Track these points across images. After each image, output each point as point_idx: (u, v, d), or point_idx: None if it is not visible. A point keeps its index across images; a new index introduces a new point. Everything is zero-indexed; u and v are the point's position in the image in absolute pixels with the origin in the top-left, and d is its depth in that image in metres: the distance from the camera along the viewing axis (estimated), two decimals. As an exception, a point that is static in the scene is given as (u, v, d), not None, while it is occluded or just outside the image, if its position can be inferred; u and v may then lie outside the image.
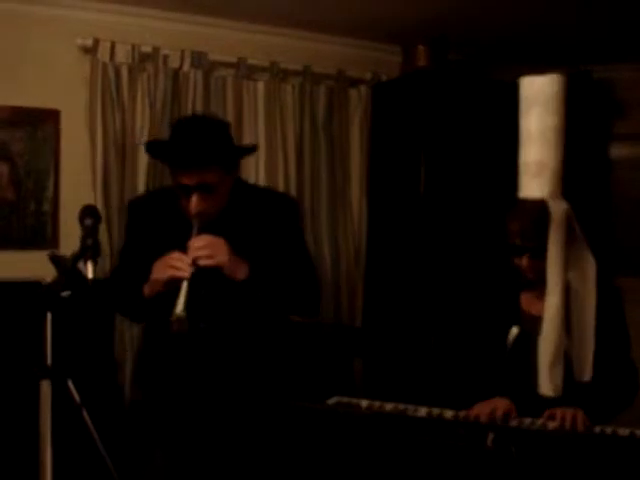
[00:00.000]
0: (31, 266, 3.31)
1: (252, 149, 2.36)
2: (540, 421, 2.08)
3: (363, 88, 4.05)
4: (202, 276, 2.15)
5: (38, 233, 3.47)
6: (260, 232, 2.30)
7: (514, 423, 2.05)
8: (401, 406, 2.17)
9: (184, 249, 2.17)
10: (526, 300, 2.35)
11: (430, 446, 1.90)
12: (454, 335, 2.51)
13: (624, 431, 2.01)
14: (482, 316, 2.39)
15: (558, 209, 2.16)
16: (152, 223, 2.32)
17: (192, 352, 2.26)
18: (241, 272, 2.18)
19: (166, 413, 2.28)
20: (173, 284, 2.11)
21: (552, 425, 2.06)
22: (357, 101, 4.05)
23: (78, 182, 3.49)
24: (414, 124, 3.86)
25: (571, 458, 1.87)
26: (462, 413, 2.12)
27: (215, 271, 2.17)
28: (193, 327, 2.15)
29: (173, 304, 2.08)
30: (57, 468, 1.68)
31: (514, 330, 2.29)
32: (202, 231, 2.19)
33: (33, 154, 3.46)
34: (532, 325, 2.27)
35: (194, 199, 2.16)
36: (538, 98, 2.18)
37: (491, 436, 1.84)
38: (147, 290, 2.20)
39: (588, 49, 4.06)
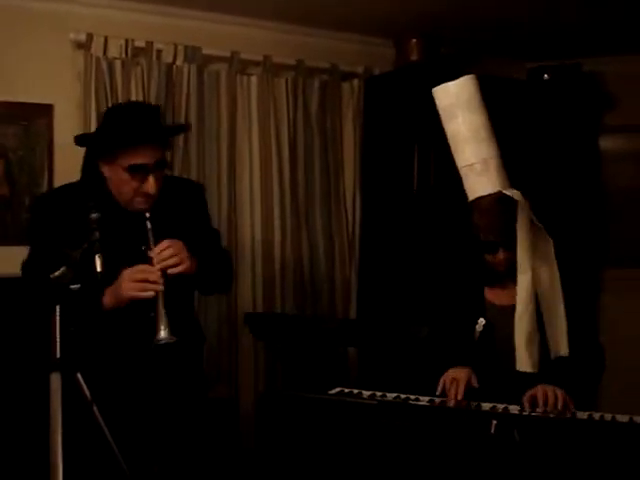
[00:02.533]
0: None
1: (184, 128, 2.55)
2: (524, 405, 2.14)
3: (356, 82, 4.06)
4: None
5: (32, 228, 3.46)
6: (179, 217, 2.33)
7: (516, 410, 2.09)
8: (403, 396, 2.21)
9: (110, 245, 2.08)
10: (491, 293, 2.42)
11: (434, 434, 1.92)
12: (434, 326, 2.55)
13: (623, 417, 2.06)
14: (452, 308, 2.46)
15: (518, 196, 2.24)
16: (63, 221, 2.23)
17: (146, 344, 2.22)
18: (194, 267, 2.21)
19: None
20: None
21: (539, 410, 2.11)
22: (350, 95, 4.07)
23: (72, 177, 3.44)
24: (407, 118, 3.88)
25: (572, 444, 1.90)
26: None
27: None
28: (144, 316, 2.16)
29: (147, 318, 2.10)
30: (67, 461, 1.69)
31: (481, 321, 2.35)
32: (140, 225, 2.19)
33: (26, 149, 3.44)
34: (499, 316, 2.35)
35: (152, 179, 2.15)
36: (459, 102, 2.26)
37: (494, 423, 1.87)
38: (109, 301, 2.16)
39: (578, 42, 4.10)
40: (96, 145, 2.23)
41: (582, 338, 2.32)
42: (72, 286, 1.70)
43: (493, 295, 2.41)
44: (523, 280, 2.24)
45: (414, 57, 3.91)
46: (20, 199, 3.45)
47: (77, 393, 1.74)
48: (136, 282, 2.12)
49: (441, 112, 2.35)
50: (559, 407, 2.12)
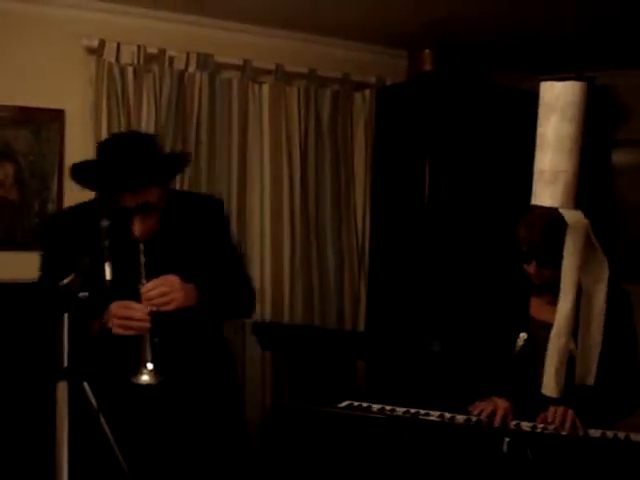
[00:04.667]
0: (35, 267, 3.31)
1: (185, 161, 2.30)
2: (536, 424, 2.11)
3: (368, 92, 4.05)
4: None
5: (42, 234, 3.46)
6: (193, 237, 2.25)
7: (529, 428, 2.06)
8: (412, 410, 2.18)
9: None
10: (535, 306, 2.35)
11: (445, 450, 1.89)
12: (462, 339, 2.50)
13: (636, 436, 2.02)
14: (491, 321, 2.39)
15: (574, 218, 2.16)
16: (72, 240, 2.20)
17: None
18: (192, 300, 2.14)
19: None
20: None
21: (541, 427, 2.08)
22: (362, 105, 4.06)
23: (82, 183, 3.47)
24: (419, 128, 3.87)
25: (585, 462, 1.87)
26: (474, 417, 2.13)
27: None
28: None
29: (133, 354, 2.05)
30: (73, 470, 1.67)
31: (522, 336, 2.29)
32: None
33: (37, 154, 3.44)
34: (540, 331, 2.28)
35: (137, 223, 2.07)
36: (557, 104, 2.16)
37: (507, 440, 1.84)
38: (96, 328, 2.13)
39: (592, 55, 4.08)
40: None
41: (622, 366, 2.27)
42: (80, 294, 1.68)
43: (537, 309, 2.34)
44: (563, 308, 2.16)
45: (427, 67, 3.91)
46: (30, 204, 3.44)
47: (84, 402, 1.72)
48: (120, 319, 2.07)
49: (540, 107, 2.23)
50: (566, 427, 2.08)
